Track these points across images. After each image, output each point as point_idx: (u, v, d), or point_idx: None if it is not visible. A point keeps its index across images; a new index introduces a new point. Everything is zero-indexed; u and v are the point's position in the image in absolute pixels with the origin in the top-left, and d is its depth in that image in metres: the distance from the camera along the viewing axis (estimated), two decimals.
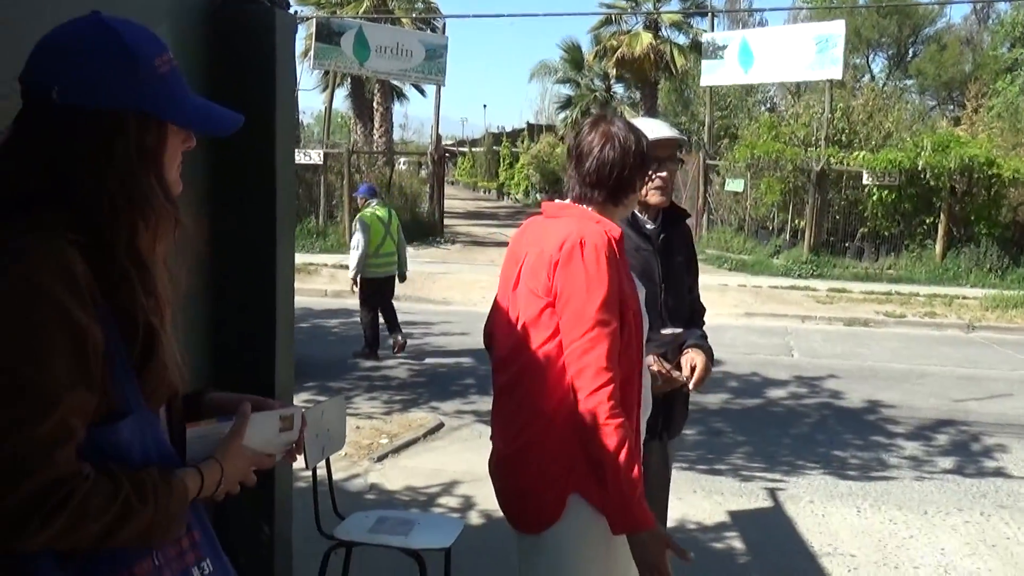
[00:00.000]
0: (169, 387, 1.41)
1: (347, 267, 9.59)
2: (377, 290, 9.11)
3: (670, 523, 4.62)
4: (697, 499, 5.25)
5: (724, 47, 21.59)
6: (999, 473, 6.20)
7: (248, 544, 2.70)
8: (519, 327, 2.27)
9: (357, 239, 8.94)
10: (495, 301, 2.50)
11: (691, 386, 2.84)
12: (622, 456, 2.08)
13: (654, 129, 2.73)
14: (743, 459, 6.29)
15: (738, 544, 4.64)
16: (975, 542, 4.79)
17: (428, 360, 9.12)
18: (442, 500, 5.02)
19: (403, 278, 9.46)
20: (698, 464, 6.05)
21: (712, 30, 24.15)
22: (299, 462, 3.07)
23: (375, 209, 9.14)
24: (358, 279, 9.06)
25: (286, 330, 2.75)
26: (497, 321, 2.44)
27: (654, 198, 2.89)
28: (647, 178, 2.70)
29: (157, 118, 1.34)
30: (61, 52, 1.29)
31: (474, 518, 4.69)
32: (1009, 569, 4.45)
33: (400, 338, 9.21)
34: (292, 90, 2.88)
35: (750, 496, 5.43)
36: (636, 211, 2.91)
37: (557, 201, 2.47)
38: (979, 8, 41.69)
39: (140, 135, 1.32)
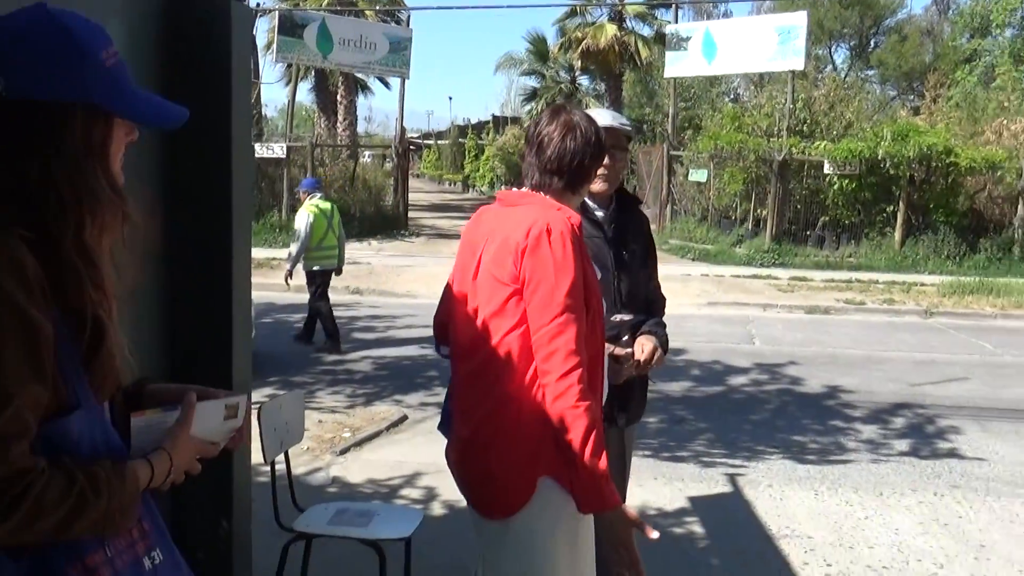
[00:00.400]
0: (116, 380, 1.43)
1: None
2: (321, 282, 9.23)
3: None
4: (658, 485, 5.32)
5: (688, 38, 21.72)
6: (953, 454, 6.34)
7: (206, 539, 2.71)
8: (483, 315, 2.30)
9: (299, 232, 9.04)
10: (449, 291, 2.53)
11: (638, 360, 2.87)
12: (592, 437, 2.13)
13: (600, 118, 2.77)
14: (704, 445, 6.37)
15: (698, 529, 4.71)
16: (928, 521, 4.90)
17: (392, 353, 9.13)
18: (404, 492, 5.03)
19: (339, 272, 9.63)
20: (660, 451, 6.12)
21: (676, 21, 24.28)
22: (258, 455, 3.10)
23: (318, 203, 9.25)
24: (294, 272, 9.22)
25: (243, 324, 2.76)
26: (456, 310, 2.46)
27: (597, 185, 2.92)
28: None
29: (104, 111, 1.35)
30: (6, 44, 1.28)
31: (436, 509, 4.72)
32: (960, 546, 4.56)
33: (305, 333, 9.38)
34: (248, 83, 2.88)
35: (710, 482, 5.50)
36: (586, 199, 2.95)
37: (514, 189, 2.51)
38: None
39: (87, 128, 1.32)
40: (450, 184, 47.18)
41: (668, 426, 6.81)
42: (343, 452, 5.76)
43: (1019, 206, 17.97)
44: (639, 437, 6.30)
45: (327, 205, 9.41)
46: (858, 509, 5.06)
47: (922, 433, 6.90)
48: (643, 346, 2.92)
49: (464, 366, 2.41)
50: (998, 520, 4.96)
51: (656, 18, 28.98)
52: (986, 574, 4.25)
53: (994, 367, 9.51)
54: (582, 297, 2.24)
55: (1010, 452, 6.42)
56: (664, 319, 3.15)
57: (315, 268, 9.18)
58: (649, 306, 3.11)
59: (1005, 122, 21.61)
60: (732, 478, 5.57)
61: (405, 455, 5.73)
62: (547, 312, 2.19)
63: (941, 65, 36.44)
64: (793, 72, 20.16)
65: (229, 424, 1.57)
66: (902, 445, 6.54)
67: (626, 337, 2.87)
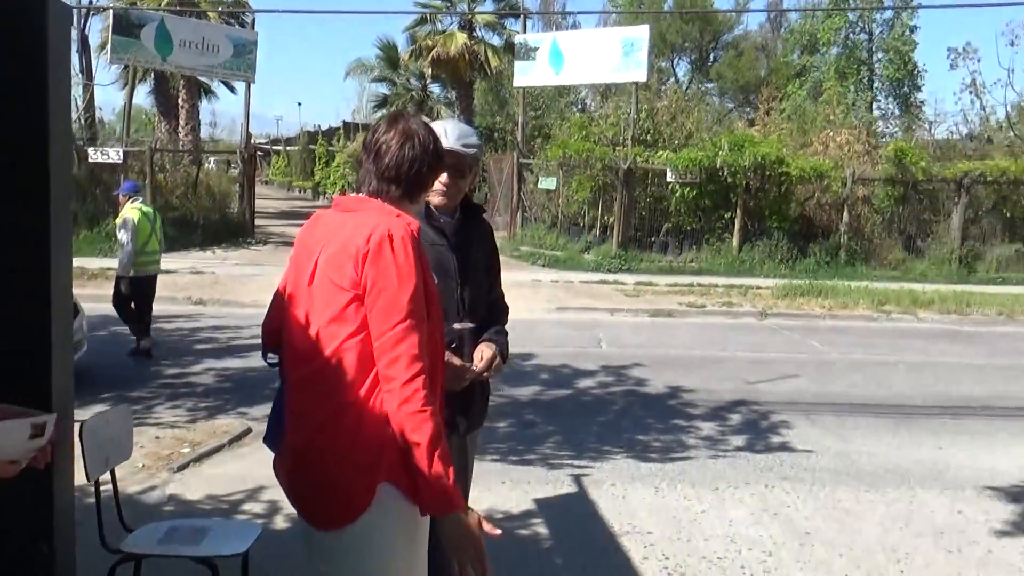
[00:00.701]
0: None
1: None
2: (138, 289, 9.04)
3: None
4: (505, 490, 5.37)
5: (536, 48, 22.11)
6: (784, 448, 6.69)
7: (24, 563, 2.56)
8: (320, 321, 2.27)
9: (125, 237, 8.82)
10: (282, 296, 2.48)
11: (476, 371, 2.91)
12: (437, 441, 2.14)
13: (444, 138, 2.75)
14: (552, 448, 6.48)
15: (543, 530, 4.78)
16: (759, 512, 5.15)
17: (236, 365, 8.84)
18: (246, 507, 4.88)
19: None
20: (508, 455, 6.19)
21: (524, 31, 24.66)
22: (80, 475, 2.94)
23: (140, 206, 9.13)
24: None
25: (63, 337, 2.62)
26: (290, 316, 2.42)
27: (436, 199, 2.94)
28: None
29: None
30: None
31: (280, 522, 4.61)
32: (788, 534, 4.82)
33: (148, 344, 9.10)
34: (68, 84, 2.74)
35: (556, 483, 5.60)
36: (431, 206, 2.96)
37: (351, 195, 2.50)
38: (772, 17, 44.81)
39: None
40: (300, 191, 46.24)
41: (517, 430, 6.89)
42: (181, 468, 5.54)
43: (844, 213, 19.18)
44: (488, 442, 6.37)
45: (149, 209, 9.35)
46: (695, 503, 5.26)
47: (756, 429, 7.25)
48: (482, 353, 2.96)
49: (298, 373, 2.37)
50: (822, 508, 5.27)
51: (505, 27, 29.33)
52: (810, 559, 4.51)
53: (821, 364, 10.11)
54: (423, 303, 2.25)
55: (835, 444, 6.83)
56: (506, 327, 3.19)
57: (139, 274, 8.96)
58: (491, 314, 3.14)
59: (831, 134, 23.08)
60: (578, 478, 5.69)
61: (248, 469, 5.55)
62: (390, 318, 2.19)
63: (774, 79, 38.61)
64: (637, 83, 20.83)
65: (33, 443, 1.49)
66: (738, 441, 6.85)
67: (455, 344, 2.88)
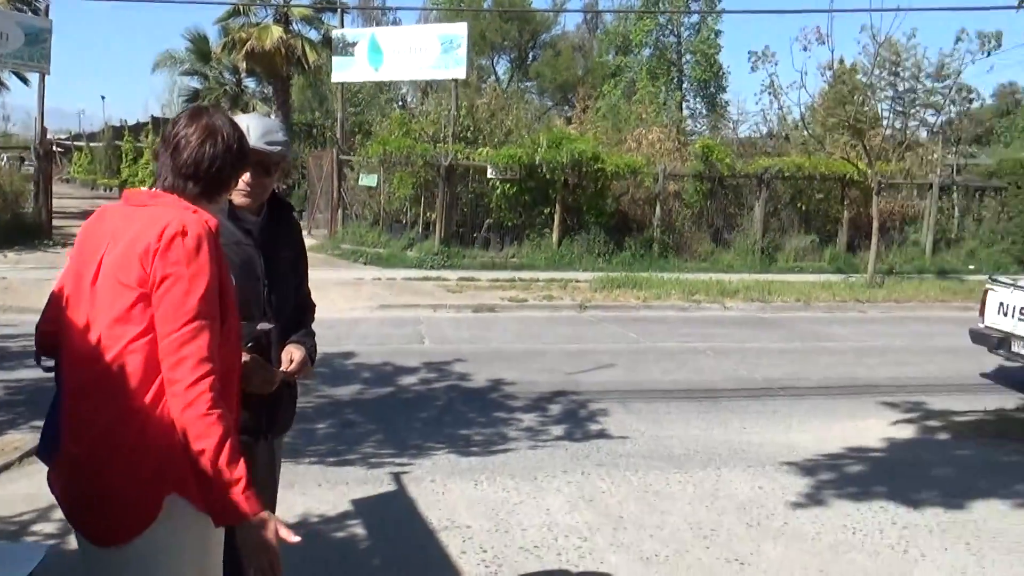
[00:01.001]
0: None
1: None
2: None
3: (292, 519, 4.57)
4: (322, 492, 5.22)
5: (354, 44, 21.78)
6: (601, 435, 6.88)
7: None
8: (103, 322, 2.13)
9: None
10: (59, 297, 2.32)
11: (286, 373, 2.82)
12: (226, 447, 2.04)
13: (249, 136, 2.62)
14: (374, 447, 6.39)
15: (360, 531, 4.68)
16: (575, 499, 5.24)
17: (30, 376, 8.19)
18: (37, 527, 4.52)
19: None
20: (327, 457, 6.05)
21: (343, 27, 24.24)
22: None
23: None
24: None
25: None
26: (69, 318, 2.25)
27: (239, 199, 2.81)
28: None
29: None
30: None
31: (73, 542, 4.28)
32: (602, 519, 4.93)
33: None
34: None
35: (375, 482, 5.50)
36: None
37: (143, 189, 2.37)
38: (589, 18, 46.19)
39: None
40: (106, 189, 43.61)
41: (337, 430, 6.76)
42: None
43: (657, 208, 19.95)
44: (306, 444, 6.24)
45: None
46: (513, 495, 5.29)
47: (575, 418, 7.42)
48: (292, 355, 2.88)
49: (77, 378, 2.21)
50: (635, 491, 5.42)
51: (323, 22, 28.68)
52: (624, 541, 4.63)
53: (636, 353, 10.48)
54: (217, 304, 2.15)
55: (648, 429, 7.09)
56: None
57: None
58: (299, 314, 3.05)
59: (644, 132, 23.95)
60: (397, 476, 5.61)
61: (39, 487, 5.05)
62: (177, 318, 2.08)
63: (590, 79, 39.82)
64: (456, 80, 20.90)
65: None
66: (558, 430, 6.99)
67: (253, 345, 2.77)
